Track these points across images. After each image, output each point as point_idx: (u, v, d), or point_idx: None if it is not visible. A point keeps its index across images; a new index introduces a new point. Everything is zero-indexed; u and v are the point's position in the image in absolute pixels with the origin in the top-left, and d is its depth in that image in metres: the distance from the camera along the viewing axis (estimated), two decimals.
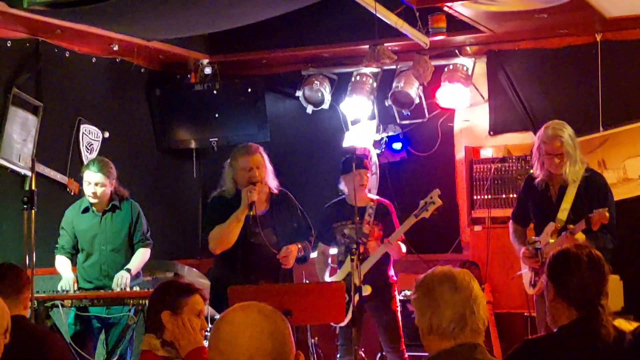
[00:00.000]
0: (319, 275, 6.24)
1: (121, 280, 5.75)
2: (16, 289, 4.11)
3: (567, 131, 5.41)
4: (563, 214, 5.39)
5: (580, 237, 5.23)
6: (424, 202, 5.87)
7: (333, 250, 6.22)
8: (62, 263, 5.93)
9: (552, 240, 5.42)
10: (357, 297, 5.49)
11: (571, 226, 5.28)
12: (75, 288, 5.79)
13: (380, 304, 5.95)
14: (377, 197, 6.23)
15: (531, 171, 5.60)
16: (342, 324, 5.85)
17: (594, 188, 5.40)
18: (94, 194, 5.85)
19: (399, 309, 6.06)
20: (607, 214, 5.15)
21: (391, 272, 6.09)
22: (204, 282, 6.41)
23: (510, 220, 5.81)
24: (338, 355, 6.13)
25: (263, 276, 5.30)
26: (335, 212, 6.09)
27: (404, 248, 6.03)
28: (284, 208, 5.52)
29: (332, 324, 6.06)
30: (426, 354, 2.73)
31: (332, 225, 6.06)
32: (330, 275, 6.15)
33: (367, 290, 5.78)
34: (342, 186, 6.13)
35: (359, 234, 5.77)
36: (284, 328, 2.17)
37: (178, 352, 3.41)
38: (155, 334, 3.42)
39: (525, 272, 5.66)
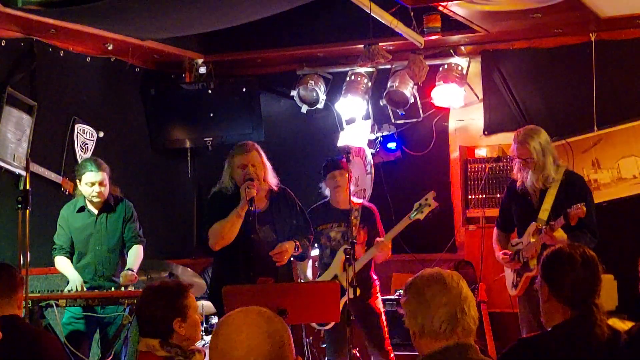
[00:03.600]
0: (301, 276, 6.17)
1: (129, 276, 5.72)
2: (10, 289, 4.11)
3: (538, 138, 5.43)
4: (544, 214, 5.43)
5: (560, 234, 5.26)
6: (419, 204, 5.86)
7: (314, 252, 6.17)
8: (65, 264, 5.88)
9: (533, 240, 5.44)
10: (346, 298, 5.44)
11: (552, 222, 5.31)
12: (85, 289, 5.75)
13: (363, 305, 5.91)
14: (362, 200, 6.20)
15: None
16: (328, 327, 5.83)
17: (573, 188, 5.44)
18: (99, 194, 5.82)
19: (382, 309, 6.05)
20: (585, 208, 5.18)
21: (373, 273, 6.07)
22: (198, 282, 6.43)
23: (495, 227, 5.84)
24: (326, 358, 6.09)
25: (263, 273, 5.28)
26: (319, 215, 6.06)
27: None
28: (283, 205, 5.49)
29: (316, 326, 6.06)
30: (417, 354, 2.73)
31: (316, 229, 5.96)
32: (313, 278, 6.14)
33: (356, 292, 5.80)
34: (324, 190, 6.14)
35: (350, 236, 5.74)
36: (283, 331, 2.18)
37: (180, 350, 3.43)
38: (161, 339, 3.43)
39: (508, 274, 5.68)
